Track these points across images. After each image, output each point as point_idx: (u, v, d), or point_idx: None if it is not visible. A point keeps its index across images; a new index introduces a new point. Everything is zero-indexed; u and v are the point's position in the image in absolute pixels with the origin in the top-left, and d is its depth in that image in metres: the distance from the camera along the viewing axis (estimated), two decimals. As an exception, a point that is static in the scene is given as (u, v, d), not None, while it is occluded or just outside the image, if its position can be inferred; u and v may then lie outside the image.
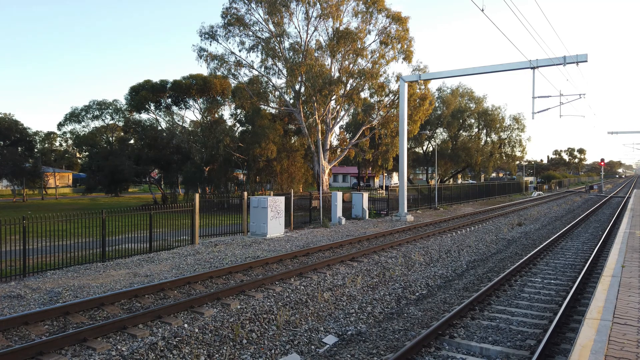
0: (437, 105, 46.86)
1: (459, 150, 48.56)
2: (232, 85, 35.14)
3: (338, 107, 32.75)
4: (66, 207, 35.34)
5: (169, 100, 39.31)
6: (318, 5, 28.96)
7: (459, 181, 62.74)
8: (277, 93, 33.85)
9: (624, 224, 16.35)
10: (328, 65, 30.25)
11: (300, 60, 28.67)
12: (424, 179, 61.64)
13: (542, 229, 21.97)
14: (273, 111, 34.83)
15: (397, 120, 29.26)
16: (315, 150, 31.26)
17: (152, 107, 39.41)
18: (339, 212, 21.82)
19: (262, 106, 33.12)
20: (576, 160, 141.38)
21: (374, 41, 30.44)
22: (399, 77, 26.15)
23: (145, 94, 37.12)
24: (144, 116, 41.12)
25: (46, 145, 62.58)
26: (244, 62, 30.79)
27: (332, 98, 30.93)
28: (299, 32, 30.43)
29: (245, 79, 32.26)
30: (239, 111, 38.48)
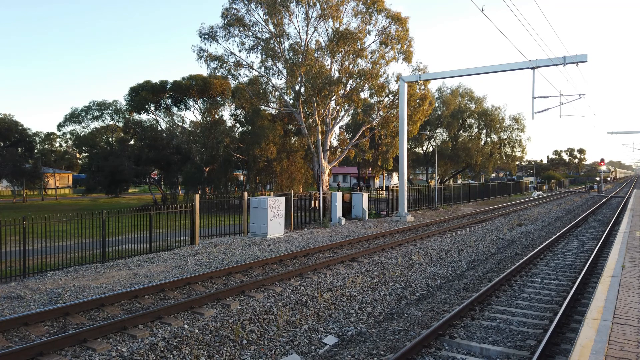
0: (437, 105, 46.84)
1: (459, 151, 48.55)
2: (232, 85, 35.10)
3: (338, 107, 32.74)
4: (66, 208, 35.34)
5: (169, 100, 39.29)
6: (318, 5, 28.95)
7: (459, 181, 62.74)
8: (277, 93, 33.83)
9: (624, 224, 16.35)
10: (328, 65, 30.24)
11: (300, 60, 28.66)
12: (424, 179, 61.62)
13: (542, 229, 21.97)
14: (273, 111, 34.81)
15: (397, 121, 29.26)
16: (315, 151, 31.25)
17: (152, 108, 39.39)
18: (339, 213, 21.82)
19: (262, 106, 33.10)
20: (576, 160, 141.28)
21: (373, 41, 30.44)
22: (398, 78, 26.15)
23: (145, 94, 37.09)
24: (143, 117, 41.14)
25: (46, 146, 62.64)
26: (243, 62, 30.79)
27: (332, 98, 30.91)
28: (299, 33, 30.42)
29: (245, 79, 32.26)
30: (238, 112, 38.47)
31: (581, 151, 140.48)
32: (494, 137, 53.47)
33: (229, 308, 8.25)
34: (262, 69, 30.77)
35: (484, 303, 9.28)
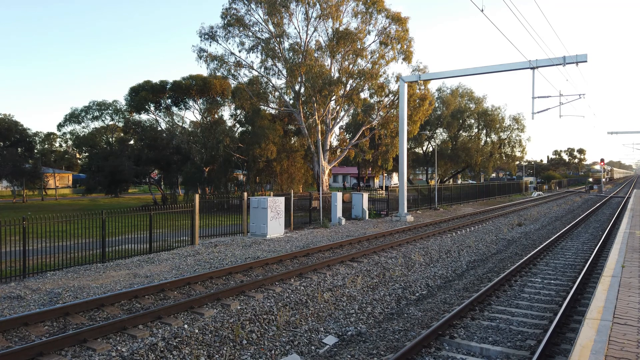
0: (437, 105, 46.86)
1: (459, 151, 48.56)
2: (232, 85, 35.11)
3: (338, 107, 32.75)
4: (66, 208, 35.34)
5: (169, 100, 39.29)
6: (318, 5, 28.95)
7: (459, 181, 62.75)
8: (277, 93, 33.84)
9: (624, 224, 16.35)
10: (328, 65, 30.24)
11: (300, 60, 28.67)
12: (424, 179, 61.64)
13: (542, 229, 21.97)
14: (273, 112, 34.82)
15: (397, 121, 29.27)
16: (315, 151, 31.26)
17: (152, 108, 39.40)
18: (339, 213, 21.82)
19: (262, 107, 33.10)
20: (576, 160, 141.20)
21: (373, 41, 30.44)
22: (398, 78, 26.15)
23: (145, 94, 37.09)
24: (143, 117, 41.15)
25: (46, 146, 62.63)
26: (243, 62, 30.79)
27: (332, 98, 30.91)
28: (299, 33, 30.41)
29: (245, 79, 32.26)
30: (238, 112, 38.47)
31: (581, 151, 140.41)
32: (494, 137, 53.49)
33: (229, 308, 8.25)
34: (262, 69, 30.80)
35: (484, 303, 9.28)
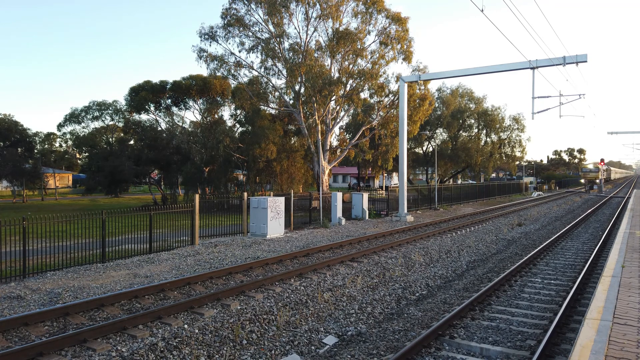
0: (436, 105, 46.84)
1: (459, 151, 48.55)
2: (232, 85, 35.13)
3: (338, 107, 32.74)
4: (66, 208, 35.33)
5: (169, 100, 39.29)
6: (318, 5, 28.95)
7: (459, 181, 62.73)
8: (277, 93, 33.84)
9: (624, 224, 16.34)
10: (328, 65, 30.24)
11: (300, 60, 28.67)
12: (424, 179, 61.61)
13: (542, 229, 21.97)
14: (273, 112, 34.82)
15: (397, 121, 29.26)
16: (315, 151, 31.25)
17: (152, 108, 39.40)
18: (339, 213, 21.82)
19: (262, 107, 33.10)
20: (576, 160, 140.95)
21: (373, 42, 30.44)
22: (398, 78, 26.16)
23: (145, 94, 37.10)
24: (143, 117, 41.15)
25: (46, 146, 62.59)
26: (243, 62, 30.80)
27: (332, 98, 30.91)
28: (299, 33, 30.43)
29: (245, 79, 32.27)
30: (238, 112, 38.48)
31: (581, 151, 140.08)
32: (494, 137, 53.48)
33: (229, 308, 8.25)
34: (262, 69, 30.80)
35: (484, 303, 9.27)
